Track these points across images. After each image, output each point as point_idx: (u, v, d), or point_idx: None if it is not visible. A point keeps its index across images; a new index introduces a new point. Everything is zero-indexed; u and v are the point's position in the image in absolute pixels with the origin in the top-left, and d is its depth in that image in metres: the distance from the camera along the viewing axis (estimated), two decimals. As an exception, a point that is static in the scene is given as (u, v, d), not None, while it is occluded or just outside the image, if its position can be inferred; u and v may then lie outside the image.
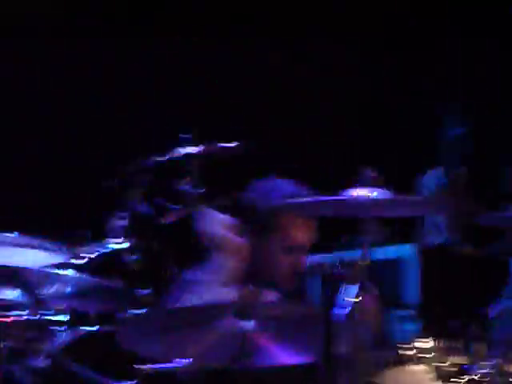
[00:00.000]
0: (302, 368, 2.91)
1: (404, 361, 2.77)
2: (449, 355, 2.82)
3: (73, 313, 3.01)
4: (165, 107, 5.70)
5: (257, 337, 2.57)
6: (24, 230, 2.90)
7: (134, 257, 3.12)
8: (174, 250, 3.31)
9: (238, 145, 3.36)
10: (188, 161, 3.21)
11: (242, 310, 2.52)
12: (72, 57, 5.75)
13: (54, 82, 5.59)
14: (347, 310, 2.56)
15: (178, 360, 2.68)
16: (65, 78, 5.63)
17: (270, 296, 2.84)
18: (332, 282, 2.59)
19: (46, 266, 2.75)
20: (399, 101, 6.55)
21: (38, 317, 2.73)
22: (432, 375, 2.80)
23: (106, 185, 3.24)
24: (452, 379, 2.73)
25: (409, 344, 2.78)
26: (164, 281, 3.22)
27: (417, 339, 2.83)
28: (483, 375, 2.81)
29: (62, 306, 2.91)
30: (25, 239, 2.85)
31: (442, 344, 2.83)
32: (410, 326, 3.95)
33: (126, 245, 3.19)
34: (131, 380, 2.84)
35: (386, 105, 6.55)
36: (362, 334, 2.63)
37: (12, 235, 2.84)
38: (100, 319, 3.05)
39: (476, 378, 2.75)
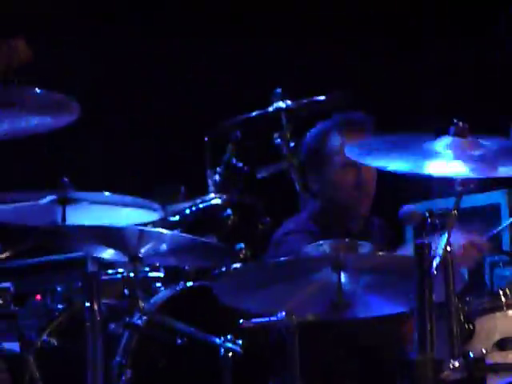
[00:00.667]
0: (396, 318, 2.99)
1: (499, 307, 2.78)
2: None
3: (168, 269, 3.08)
4: (257, 63, 5.79)
5: (352, 288, 2.62)
6: (118, 187, 3.00)
7: (228, 212, 3.16)
8: (267, 203, 3.35)
9: (328, 97, 3.42)
10: (280, 115, 3.26)
11: (337, 262, 2.55)
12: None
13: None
14: (440, 258, 2.60)
15: (275, 313, 2.75)
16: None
17: (365, 247, 2.85)
18: (424, 231, 2.62)
19: (141, 224, 2.81)
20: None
21: (134, 274, 2.80)
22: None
23: (208, 138, 3.37)
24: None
25: (504, 290, 2.79)
26: (258, 235, 3.27)
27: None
28: None
29: (158, 263, 2.98)
30: (118, 198, 2.93)
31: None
32: (506, 272, 3.97)
33: (219, 200, 3.24)
34: (229, 334, 2.90)
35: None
36: (456, 280, 2.67)
37: (106, 194, 2.92)
38: (196, 275, 3.12)
39: None
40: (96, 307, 2.69)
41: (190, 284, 3.19)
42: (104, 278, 2.92)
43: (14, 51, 2.85)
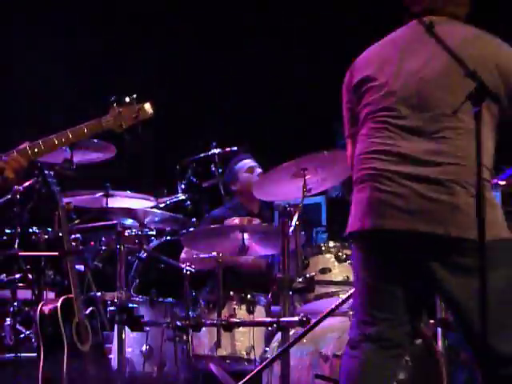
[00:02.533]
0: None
1: (320, 252, 5.10)
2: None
3: (158, 230, 5.37)
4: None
5: (249, 242, 4.79)
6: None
7: (188, 203, 5.51)
8: (207, 200, 5.66)
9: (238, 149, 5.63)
10: (214, 156, 5.57)
11: (242, 228, 4.75)
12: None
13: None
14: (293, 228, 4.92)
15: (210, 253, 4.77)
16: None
17: (256, 221, 5.11)
18: (284, 214, 4.86)
19: (148, 207, 5.16)
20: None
21: (141, 232, 5.10)
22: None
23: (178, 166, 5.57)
24: None
25: (323, 244, 5.09)
26: (203, 214, 5.56)
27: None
28: None
29: (153, 227, 5.27)
30: (133, 194, 5.28)
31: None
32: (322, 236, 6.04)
33: (183, 197, 5.58)
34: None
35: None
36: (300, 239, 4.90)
37: (127, 192, 5.26)
38: (172, 233, 5.40)
39: None
40: (122, 248, 4.99)
41: (168, 238, 5.48)
42: (126, 233, 5.17)
43: (143, 112, 3.53)
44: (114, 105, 3.48)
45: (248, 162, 5.44)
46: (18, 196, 5.00)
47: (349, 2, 6.87)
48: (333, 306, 4.23)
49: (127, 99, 3.50)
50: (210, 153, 5.54)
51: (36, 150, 3.38)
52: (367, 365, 3.21)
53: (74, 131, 3.41)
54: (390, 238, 3.09)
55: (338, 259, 4.78)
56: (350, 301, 4.51)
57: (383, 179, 3.07)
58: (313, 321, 4.37)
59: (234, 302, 4.75)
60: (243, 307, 4.75)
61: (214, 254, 4.73)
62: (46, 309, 4.60)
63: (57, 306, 4.55)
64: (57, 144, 3.40)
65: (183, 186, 5.52)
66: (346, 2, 6.88)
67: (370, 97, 3.13)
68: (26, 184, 4.95)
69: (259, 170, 5.42)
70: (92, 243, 5.29)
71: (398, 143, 3.07)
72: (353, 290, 4.43)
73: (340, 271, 4.75)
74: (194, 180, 5.54)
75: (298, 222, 4.59)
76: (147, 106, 3.52)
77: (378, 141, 3.11)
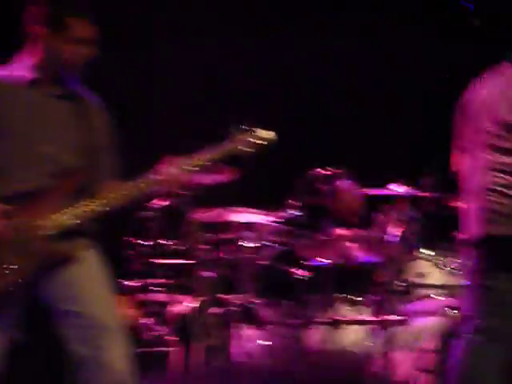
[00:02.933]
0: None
1: None
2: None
3: (273, 241, 6.00)
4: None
5: (355, 250, 5.53)
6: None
7: (300, 217, 6.14)
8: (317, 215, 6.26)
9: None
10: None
11: (349, 238, 5.48)
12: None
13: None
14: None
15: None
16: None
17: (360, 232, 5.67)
18: None
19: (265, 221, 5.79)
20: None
21: (259, 243, 5.74)
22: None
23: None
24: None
25: None
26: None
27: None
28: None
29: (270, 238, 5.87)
30: (253, 210, 5.93)
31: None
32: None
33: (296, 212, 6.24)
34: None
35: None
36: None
37: (247, 208, 5.92)
38: (285, 245, 6.02)
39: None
40: (244, 257, 5.63)
41: (284, 248, 6.06)
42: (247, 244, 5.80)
43: (266, 139, 3.70)
44: (241, 131, 3.70)
45: (349, 183, 6.04)
46: (153, 212, 5.73)
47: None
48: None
49: (251, 127, 3.72)
50: (317, 173, 6.07)
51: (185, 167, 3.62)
52: (478, 357, 3.52)
53: (205, 155, 3.64)
54: None
55: (434, 265, 5.35)
56: (447, 301, 5.16)
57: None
58: (412, 320, 5.00)
59: (342, 303, 5.35)
60: (350, 307, 5.38)
61: (325, 261, 5.39)
62: (181, 309, 5.34)
63: (189, 307, 5.28)
64: (194, 166, 3.65)
65: (294, 202, 6.14)
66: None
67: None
68: (162, 201, 5.69)
69: (358, 189, 6.00)
70: (215, 253, 5.86)
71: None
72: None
73: (435, 276, 5.30)
74: (306, 197, 6.15)
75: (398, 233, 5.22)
76: (270, 134, 3.73)
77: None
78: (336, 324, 5.22)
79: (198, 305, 5.36)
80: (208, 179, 5.63)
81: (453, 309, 5.13)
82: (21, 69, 3.56)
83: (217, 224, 5.88)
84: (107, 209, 3.48)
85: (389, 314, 5.08)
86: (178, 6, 6.90)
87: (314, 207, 6.07)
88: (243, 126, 3.69)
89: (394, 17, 7.23)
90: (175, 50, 6.96)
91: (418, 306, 5.30)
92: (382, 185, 5.75)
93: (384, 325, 5.05)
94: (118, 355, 3.41)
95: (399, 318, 5.08)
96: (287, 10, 7.20)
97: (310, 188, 6.02)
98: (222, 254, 5.90)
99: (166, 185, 3.59)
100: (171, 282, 5.79)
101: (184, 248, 5.80)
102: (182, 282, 5.87)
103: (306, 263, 5.60)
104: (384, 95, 7.32)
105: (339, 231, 5.61)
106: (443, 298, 5.30)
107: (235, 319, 5.41)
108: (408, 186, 5.67)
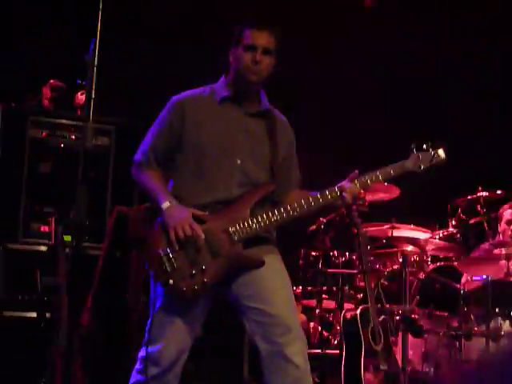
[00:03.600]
0: None
1: None
2: None
3: (432, 256, 6.29)
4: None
5: None
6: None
7: (458, 235, 6.42)
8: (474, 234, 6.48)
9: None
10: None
11: (508, 256, 5.73)
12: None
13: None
14: None
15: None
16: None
17: None
18: None
19: (425, 237, 6.09)
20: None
21: (420, 257, 6.05)
22: None
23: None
24: None
25: None
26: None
27: None
28: None
29: (430, 253, 6.18)
30: (414, 226, 6.27)
31: None
32: None
33: (453, 230, 6.50)
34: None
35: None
36: None
37: (409, 225, 6.26)
38: (444, 260, 6.30)
39: None
40: (406, 270, 6.02)
41: (443, 263, 6.37)
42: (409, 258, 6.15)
43: (438, 157, 3.81)
44: (414, 150, 3.82)
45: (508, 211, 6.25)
46: (322, 226, 6.13)
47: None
48: None
49: (424, 146, 3.83)
50: (477, 195, 6.35)
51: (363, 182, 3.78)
52: None
53: (382, 172, 3.79)
54: None
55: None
56: None
57: None
58: None
59: (500, 317, 5.59)
60: (508, 321, 5.62)
61: (484, 276, 5.62)
62: (348, 315, 5.69)
63: (357, 314, 5.62)
64: (371, 181, 3.81)
65: (454, 222, 6.43)
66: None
67: None
68: (329, 217, 6.07)
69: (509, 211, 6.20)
70: (378, 265, 6.23)
71: None
72: None
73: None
74: (463, 217, 6.42)
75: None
76: (441, 152, 3.82)
77: None
78: (495, 337, 5.45)
79: (361, 312, 5.65)
80: (374, 197, 6.03)
81: None
82: (218, 88, 3.86)
83: (382, 238, 6.22)
84: (289, 217, 3.71)
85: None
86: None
87: (473, 227, 6.33)
88: (425, 145, 3.84)
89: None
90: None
91: None
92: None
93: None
94: (296, 351, 3.62)
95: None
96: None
97: (471, 209, 6.27)
98: (383, 266, 6.24)
99: (346, 199, 3.74)
100: (339, 290, 6.14)
101: (352, 259, 6.16)
102: (349, 290, 6.23)
103: (465, 278, 5.86)
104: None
105: (497, 250, 5.83)
106: None
107: (398, 327, 5.69)
108: None
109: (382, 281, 6.08)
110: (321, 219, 6.12)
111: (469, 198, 6.38)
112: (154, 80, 6.88)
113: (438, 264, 6.22)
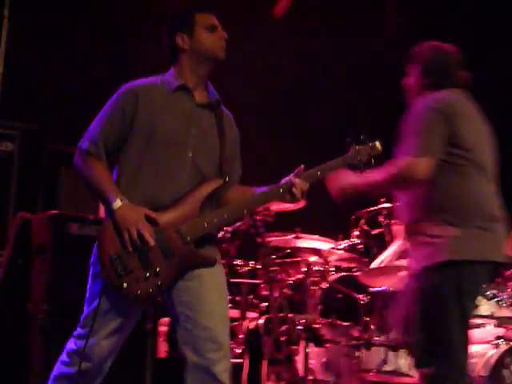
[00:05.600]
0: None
1: None
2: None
3: (336, 267, 6.30)
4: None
5: None
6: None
7: (361, 246, 6.40)
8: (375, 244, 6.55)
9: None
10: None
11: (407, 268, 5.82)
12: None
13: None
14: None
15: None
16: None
17: None
18: None
19: (329, 248, 6.10)
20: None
21: (323, 268, 6.06)
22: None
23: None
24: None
25: None
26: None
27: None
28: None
29: (333, 264, 6.22)
30: (318, 237, 6.27)
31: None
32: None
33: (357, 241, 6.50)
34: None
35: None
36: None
37: (313, 235, 6.26)
38: (346, 271, 6.32)
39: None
40: (309, 280, 6.01)
41: (345, 273, 6.39)
42: (312, 268, 6.17)
43: (375, 149, 3.91)
44: (353, 144, 3.87)
45: None
46: (228, 235, 6.05)
47: None
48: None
49: (362, 138, 3.90)
50: (379, 206, 6.35)
51: (311, 175, 3.74)
52: None
53: (327, 166, 3.80)
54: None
55: (486, 297, 5.60)
56: (494, 330, 5.42)
57: None
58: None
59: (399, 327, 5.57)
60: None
61: (385, 287, 5.64)
62: (251, 325, 5.65)
63: (260, 323, 5.59)
64: (318, 175, 3.78)
65: (357, 233, 6.45)
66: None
67: None
68: (234, 226, 6.00)
69: None
70: (282, 275, 6.18)
71: None
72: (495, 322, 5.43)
73: (486, 307, 5.55)
74: (366, 228, 6.45)
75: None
76: (378, 144, 3.92)
77: None
78: (394, 347, 5.48)
79: (265, 322, 5.62)
80: (277, 206, 5.88)
81: (502, 338, 5.42)
82: (169, 78, 3.76)
83: (286, 248, 6.19)
84: (241, 215, 3.75)
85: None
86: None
87: (376, 238, 6.36)
88: (362, 137, 3.90)
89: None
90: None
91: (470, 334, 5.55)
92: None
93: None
94: (224, 369, 3.58)
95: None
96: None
97: (373, 220, 6.31)
98: (287, 276, 6.20)
99: (296, 195, 3.68)
100: (243, 299, 6.08)
101: (256, 268, 6.11)
102: (252, 300, 6.18)
103: (366, 288, 5.87)
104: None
105: (398, 261, 5.86)
106: (492, 328, 5.55)
107: (300, 336, 5.66)
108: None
109: (285, 290, 6.07)
110: (226, 228, 6.03)
111: (371, 209, 6.41)
112: (62, 85, 6.71)
113: (341, 274, 6.23)
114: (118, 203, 3.53)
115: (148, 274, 3.51)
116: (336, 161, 3.85)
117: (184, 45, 3.74)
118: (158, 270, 3.52)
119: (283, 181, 3.74)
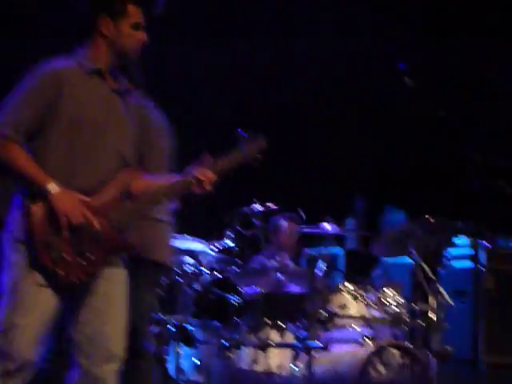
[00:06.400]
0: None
1: None
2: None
3: (209, 268, 6.25)
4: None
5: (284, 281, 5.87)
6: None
7: (234, 247, 6.38)
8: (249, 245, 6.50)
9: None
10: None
11: (279, 269, 5.83)
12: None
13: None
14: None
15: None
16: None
17: (290, 264, 6.03)
18: None
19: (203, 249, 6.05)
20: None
21: (197, 269, 5.94)
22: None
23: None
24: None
25: None
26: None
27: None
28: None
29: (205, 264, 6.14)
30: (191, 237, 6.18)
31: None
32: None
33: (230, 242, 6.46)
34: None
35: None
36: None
37: (186, 236, 6.15)
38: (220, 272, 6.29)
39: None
40: (182, 280, 5.95)
41: (219, 275, 6.37)
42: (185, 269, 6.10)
43: (261, 144, 3.82)
44: (242, 139, 3.81)
45: (285, 223, 6.32)
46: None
47: None
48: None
49: (248, 134, 3.83)
50: (252, 207, 6.33)
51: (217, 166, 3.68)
52: None
53: (229, 159, 3.73)
54: None
55: (354, 297, 5.68)
56: (362, 330, 5.49)
57: None
58: (332, 346, 5.32)
59: (269, 328, 5.60)
60: (276, 332, 5.65)
61: (256, 288, 5.66)
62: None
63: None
64: (222, 168, 3.72)
65: (230, 234, 6.40)
66: None
67: None
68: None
69: (295, 227, 6.29)
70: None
71: None
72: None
73: (355, 307, 5.62)
74: (240, 229, 6.41)
75: (324, 267, 5.56)
76: (262, 139, 3.86)
77: None
78: (264, 347, 5.47)
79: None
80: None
81: (369, 338, 5.49)
82: (83, 60, 3.60)
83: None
84: (159, 203, 3.67)
85: (312, 340, 5.33)
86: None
87: (249, 239, 6.35)
88: (249, 134, 3.84)
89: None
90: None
91: (338, 334, 5.61)
92: (314, 222, 6.03)
93: (307, 350, 5.31)
94: (109, 377, 3.53)
95: (321, 344, 5.35)
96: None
97: (246, 221, 6.29)
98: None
99: (205, 185, 3.62)
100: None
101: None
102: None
103: (239, 290, 5.85)
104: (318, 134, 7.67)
105: (271, 263, 5.87)
106: (361, 328, 5.62)
107: (171, 337, 5.60)
108: (336, 224, 5.97)
109: (157, 291, 5.97)
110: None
111: (245, 209, 6.38)
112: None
113: (214, 275, 6.14)
114: (54, 187, 3.42)
115: (82, 261, 3.44)
116: (237, 154, 3.79)
117: (106, 31, 3.59)
118: (90, 256, 3.45)
119: (190, 170, 3.68)
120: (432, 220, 5.33)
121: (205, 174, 3.63)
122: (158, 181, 3.73)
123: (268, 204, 6.31)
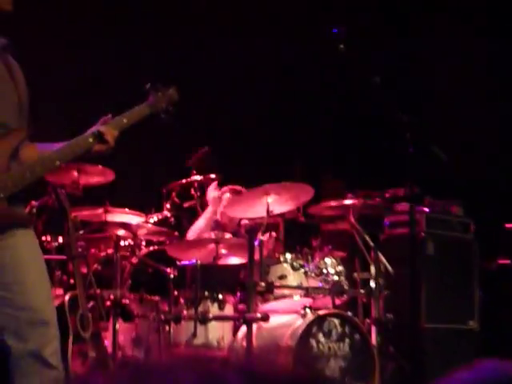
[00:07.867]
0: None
1: None
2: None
3: (146, 240, 6.03)
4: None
5: (222, 252, 5.69)
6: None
7: (172, 219, 6.19)
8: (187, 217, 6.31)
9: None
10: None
11: (217, 240, 5.62)
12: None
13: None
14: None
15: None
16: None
17: (228, 236, 5.88)
18: None
19: (139, 222, 5.83)
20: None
21: (133, 242, 5.78)
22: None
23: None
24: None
25: None
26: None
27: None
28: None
29: (143, 238, 5.93)
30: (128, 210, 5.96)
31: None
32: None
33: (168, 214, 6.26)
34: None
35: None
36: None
37: (123, 209, 5.94)
38: (157, 244, 6.08)
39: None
40: (118, 254, 5.77)
41: (156, 247, 6.18)
42: (121, 243, 5.92)
43: (174, 95, 3.74)
44: (153, 90, 3.66)
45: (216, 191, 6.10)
46: (35, 210, 5.65)
47: None
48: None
49: (159, 85, 3.70)
50: (191, 178, 6.17)
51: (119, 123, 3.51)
52: None
53: (134, 112, 3.57)
54: None
55: (293, 268, 5.53)
56: (301, 300, 5.35)
57: None
58: (271, 317, 5.16)
59: (208, 300, 5.43)
60: (215, 305, 5.47)
61: (194, 260, 5.41)
62: (56, 302, 5.28)
63: (64, 301, 5.24)
64: (125, 123, 3.55)
65: (168, 205, 6.20)
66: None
67: None
68: (41, 200, 5.61)
69: (227, 195, 6.05)
70: (93, 250, 5.91)
71: None
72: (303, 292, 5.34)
73: (294, 278, 5.47)
74: (177, 201, 6.21)
75: (261, 237, 5.37)
76: (174, 90, 3.75)
77: None
78: (203, 320, 5.29)
79: (69, 299, 5.29)
80: (87, 180, 5.61)
81: (309, 308, 5.32)
82: None
83: (93, 222, 5.85)
84: (53, 168, 3.35)
85: (251, 312, 5.16)
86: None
87: (187, 211, 6.15)
88: (158, 85, 3.69)
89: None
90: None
91: (278, 305, 5.45)
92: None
93: (247, 321, 5.14)
94: (53, 352, 3.26)
95: (261, 315, 5.18)
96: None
97: (184, 193, 6.09)
98: (97, 251, 5.88)
99: (109, 142, 3.42)
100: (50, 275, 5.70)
101: (63, 244, 5.75)
102: (59, 276, 5.82)
103: (176, 262, 5.65)
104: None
105: (207, 234, 5.66)
106: (300, 298, 5.46)
107: (108, 312, 5.40)
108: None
109: (95, 266, 5.77)
110: (33, 202, 5.61)
111: (183, 181, 6.19)
112: None
113: (151, 248, 5.96)
114: None
115: None
116: (140, 107, 3.63)
117: None
118: None
119: (90, 130, 3.45)
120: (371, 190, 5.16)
121: (106, 131, 3.43)
122: (52, 146, 3.45)
123: (209, 175, 6.10)
